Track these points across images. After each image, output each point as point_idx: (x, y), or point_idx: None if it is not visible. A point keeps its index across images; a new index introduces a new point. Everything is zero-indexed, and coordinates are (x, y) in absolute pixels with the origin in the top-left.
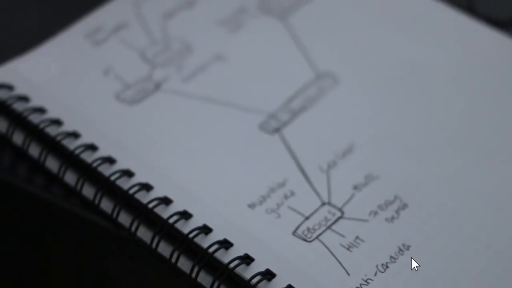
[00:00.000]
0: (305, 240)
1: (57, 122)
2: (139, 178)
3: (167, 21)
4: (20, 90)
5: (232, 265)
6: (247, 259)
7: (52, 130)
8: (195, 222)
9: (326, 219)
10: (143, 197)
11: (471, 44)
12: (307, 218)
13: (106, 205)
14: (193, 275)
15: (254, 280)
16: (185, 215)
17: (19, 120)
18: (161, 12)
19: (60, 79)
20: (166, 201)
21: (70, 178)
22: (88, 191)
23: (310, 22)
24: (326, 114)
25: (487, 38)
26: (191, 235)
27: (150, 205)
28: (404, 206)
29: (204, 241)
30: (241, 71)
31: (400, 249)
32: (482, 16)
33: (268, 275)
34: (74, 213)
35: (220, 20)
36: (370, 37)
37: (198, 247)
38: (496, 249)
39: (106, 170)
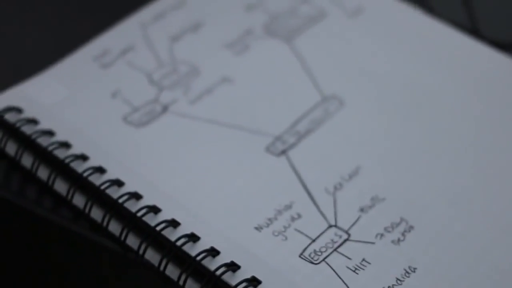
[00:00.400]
0: (311, 262)
1: (65, 145)
2: (147, 200)
3: (174, 44)
4: (28, 113)
5: (239, 287)
6: (254, 282)
7: (60, 153)
8: (202, 244)
9: (333, 242)
10: (151, 220)
11: (475, 66)
12: (313, 240)
13: (114, 227)
14: None
15: None
16: (193, 238)
17: (27, 143)
18: (168, 35)
19: (68, 102)
20: (173, 223)
21: (78, 200)
22: (96, 214)
23: (316, 44)
24: (332, 136)
25: (492, 60)
26: (198, 258)
27: (158, 228)
28: (410, 228)
29: (211, 264)
30: (247, 93)
31: (407, 272)
32: (487, 38)
33: None
34: (82, 235)
35: (226, 42)
36: (375, 60)
37: (205, 269)
38: (503, 270)
39: (114, 192)
